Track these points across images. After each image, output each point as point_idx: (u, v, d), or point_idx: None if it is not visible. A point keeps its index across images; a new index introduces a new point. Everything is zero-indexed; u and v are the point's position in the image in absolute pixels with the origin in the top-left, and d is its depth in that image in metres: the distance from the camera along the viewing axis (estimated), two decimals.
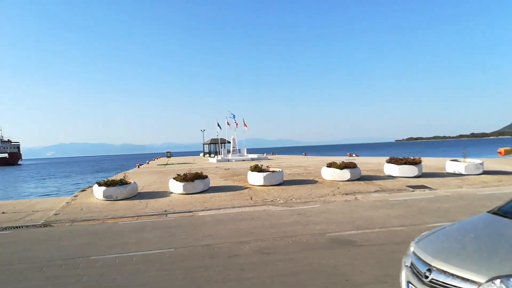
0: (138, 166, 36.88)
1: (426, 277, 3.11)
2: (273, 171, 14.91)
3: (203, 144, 63.83)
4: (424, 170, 15.86)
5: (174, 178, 13.86)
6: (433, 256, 3.24)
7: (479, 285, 2.71)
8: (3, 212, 11.58)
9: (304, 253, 6.25)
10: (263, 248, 6.66)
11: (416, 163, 15.39)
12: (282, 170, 15.39)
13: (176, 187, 13.54)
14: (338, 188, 13.53)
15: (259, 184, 14.54)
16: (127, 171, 26.20)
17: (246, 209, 10.91)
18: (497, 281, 2.65)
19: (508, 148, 22.80)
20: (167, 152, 73.66)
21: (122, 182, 13.27)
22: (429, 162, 20.48)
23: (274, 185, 14.48)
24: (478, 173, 15.30)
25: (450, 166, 16.25)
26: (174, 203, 11.96)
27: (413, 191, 12.67)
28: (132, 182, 13.72)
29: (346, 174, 14.85)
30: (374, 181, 14.73)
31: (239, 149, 45.09)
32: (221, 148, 50.00)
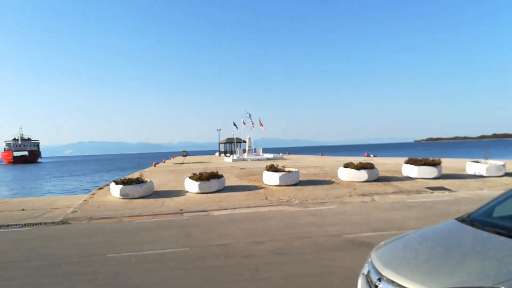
0: (155, 164, 37.25)
1: (376, 286, 2.97)
2: (289, 171, 14.82)
3: (219, 143, 64.08)
4: (443, 172, 15.52)
5: (189, 177, 13.91)
6: (385, 265, 3.09)
7: None
8: (23, 209, 11.81)
9: (319, 254, 6.16)
10: (278, 248, 6.60)
11: (435, 164, 15.08)
12: (298, 170, 15.28)
13: (192, 186, 13.58)
14: (355, 189, 13.36)
15: (274, 184, 14.48)
16: (144, 170, 26.52)
17: (261, 209, 10.86)
18: None
19: None
20: (183, 151, 74.28)
21: (139, 181, 13.38)
22: (449, 163, 20.04)
23: (290, 185, 14.39)
24: (500, 175, 14.89)
25: (471, 167, 15.87)
26: (190, 202, 12.00)
27: (432, 193, 12.41)
28: (149, 180, 13.83)
29: (363, 174, 14.65)
30: (392, 182, 14.49)
31: (255, 149, 45.08)
32: (237, 147, 50.11)
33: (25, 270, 5.94)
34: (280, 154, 52.05)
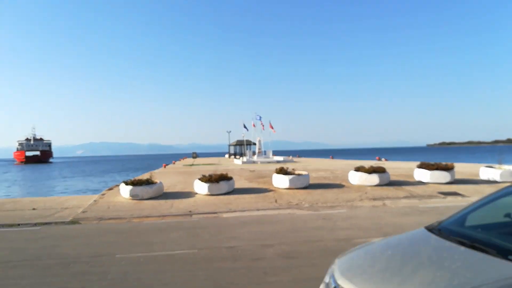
0: (165, 166, 37.43)
1: None
2: (298, 174, 14.74)
3: (229, 145, 64.21)
4: (457, 177, 15.28)
5: (199, 179, 13.92)
6: (342, 273, 3.03)
7: None
8: (34, 209, 11.93)
9: (328, 258, 6.05)
10: (287, 252, 6.54)
11: (448, 168, 14.86)
12: (308, 173, 15.19)
13: (201, 187, 13.59)
14: (366, 193, 13.21)
15: (284, 187, 14.41)
16: (154, 171, 26.64)
17: (270, 212, 10.81)
18: None
19: None
20: (193, 153, 74.56)
21: (149, 182, 13.43)
22: (462, 168, 19.73)
23: (300, 188, 14.30)
24: None
25: (485, 172, 15.60)
26: (199, 204, 12.00)
27: (444, 198, 12.22)
28: (158, 182, 13.87)
29: (374, 178, 14.50)
30: (403, 186, 14.31)
31: (265, 151, 45.03)
32: (247, 149, 50.12)
33: (35, 269, 5.97)
34: (290, 156, 51.91)
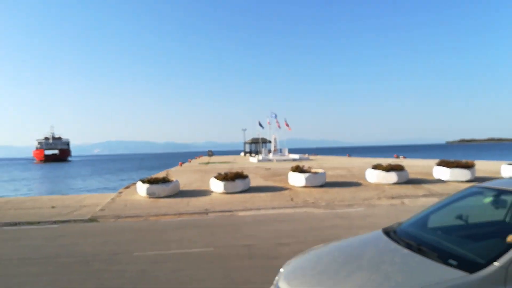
0: (181, 164, 37.69)
1: None
2: (315, 172, 14.61)
3: (244, 143, 64.24)
4: (477, 174, 14.91)
5: (215, 177, 13.94)
6: (285, 276, 3.02)
7: None
8: (53, 207, 12.12)
9: None
10: (303, 251, 6.46)
11: (468, 166, 14.51)
12: (324, 172, 15.05)
13: (217, 186, 13.60)
14: (384, 191, 13.01)
15: (300, 185, 14.30)
16: (170, 169, 26.86)
17: (286, 210, 10.74)
18: None
19: None
20: (208, 151, 74.93)
21: (165, 180, 13.51)
22: (482, 166, 19.26)
23: (316, 186, 14.18)
24: None
25: (506, 170, 15.21)
26: (215, 202, 12.01)
27: None
28: (174, 180, 13.94)
29: (392, 176, 14.27)
30: (422, 184, 14.04)
31: (281, 149, 44.88)
32: (262, 147, 50.05)
33: (55, 266, 6.05)
34: (306, 154, 51.65)
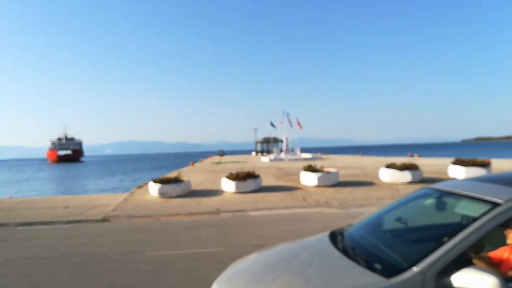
0: (192, 164, 37.80)
1: None
2: (327, 172, 14.47)
3: (256, 143, 64.21)
4: (494, 173, 14.59)
5: (226, 177, 13.90)
6: (218, 280, 3.01)
7: None
8: (66, 207, 12.22)
9: None
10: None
11: (484, 165, 14.24)
12: (337, 171, 14.90)
13: (229, 185, 13.56)
14: (398, 190, 12.81)
15: (312, 185, 14.18)
16: (181, 169, 26.93)
17: (298, 210, 10.63)
18: None
19: None
20: (220, 151, 75.08)
21: (176, 180, 13.52)
22: (499, 165, 18.86)
23: (329, 186, 14.04)
24: None
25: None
26: (226, 202, 11.96)
27: None
28: (186, 180, 13.94)
29: (406, 176, 14.05)
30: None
31: (292, 148, 44.72)
32: (274, 147, 49.94)
33: (67, 266, 6.06)
34: (319, 154, 51.39)
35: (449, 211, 3.07)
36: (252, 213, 10.36)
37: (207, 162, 43.48)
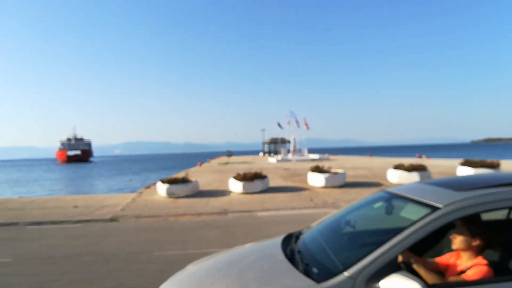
0: (200, 164, 37.90)
1: None
2: (335, 173, 14.42)
3: (263, 144, 64.20)
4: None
5: (234, 177, 13.92)
6: (166, 282, 2.98)
7: None
8: (75, 206, 12.33)
9: None
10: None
11: (494, 166, 14.08)
12: (344, 172, 14.84)
13: (236, 186, 13.57)
14: None
15: (320, 186, 14.14)
16: (189, 169, 27.01)
17: (305, 211, 10.60)
18: None
19: None
20: (227, 151, 75.19)
21: (184, 180, 13.57)
22: (509, 166, 18.63)
23: (336, 187, 13.98)
24: None
25: None
26: (234, 202, 11.97)
27: None
28: (194, 180, 13.99)
29: (414, 177, 13.95)
30: None
31: (300, 149, 44.63)
32: (281, 147, 49.89)
33: (75, 265, 6.10)
34: (326, 154, 51.23)
35: (396, 215, 2.98)
36: (260, 214, 10.35)
37: (214, 162, 43.57)
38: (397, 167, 14.73)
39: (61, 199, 14.87)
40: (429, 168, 14.76)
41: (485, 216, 3.03)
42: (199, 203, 11.99)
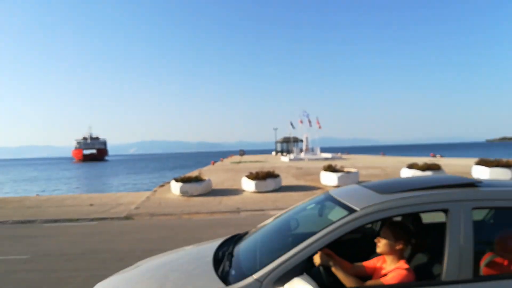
0: (213, 163, 38.08)
1: None
2: (348, 172, 14.36)
3: (276, 143, 64.11)
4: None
5: (246, 176, 13.97)
6: (103, 281, 2.98)
7: None
8: (91, 205, 12.54)
9: None
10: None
11: (509, 165, 13.82)
12: (357, 171, 14.76)
13: (249, 185, 13.62)
14: None
15: (332, 185, 14.09)
16: (202, 168, 27.17)
17: None
18: None
19: None
20: (240, 150, 75.31)
21: (198, 179, 13.67)
22: None
23: None
24: None
25: None
26: (246, 201, 12.02)
27: None
28: (207, 179, 14.09)
29: None
30: None
31: (312, 148, 44.47)
32: (294, 146, 49.78)
33: (92, 262, 6.23)
34: (339, 153, 50.92)
35: (325, 217, 2.90)
36: (272, 213, 10.37)
37: (227, 161, 43.72)
38: (411, 166, 14.58)
39: (77, 197, 15.16)
40: (443, 167, 14.56)
41: (426, 219, 3.01)
42: (212, 202, 12.08)
